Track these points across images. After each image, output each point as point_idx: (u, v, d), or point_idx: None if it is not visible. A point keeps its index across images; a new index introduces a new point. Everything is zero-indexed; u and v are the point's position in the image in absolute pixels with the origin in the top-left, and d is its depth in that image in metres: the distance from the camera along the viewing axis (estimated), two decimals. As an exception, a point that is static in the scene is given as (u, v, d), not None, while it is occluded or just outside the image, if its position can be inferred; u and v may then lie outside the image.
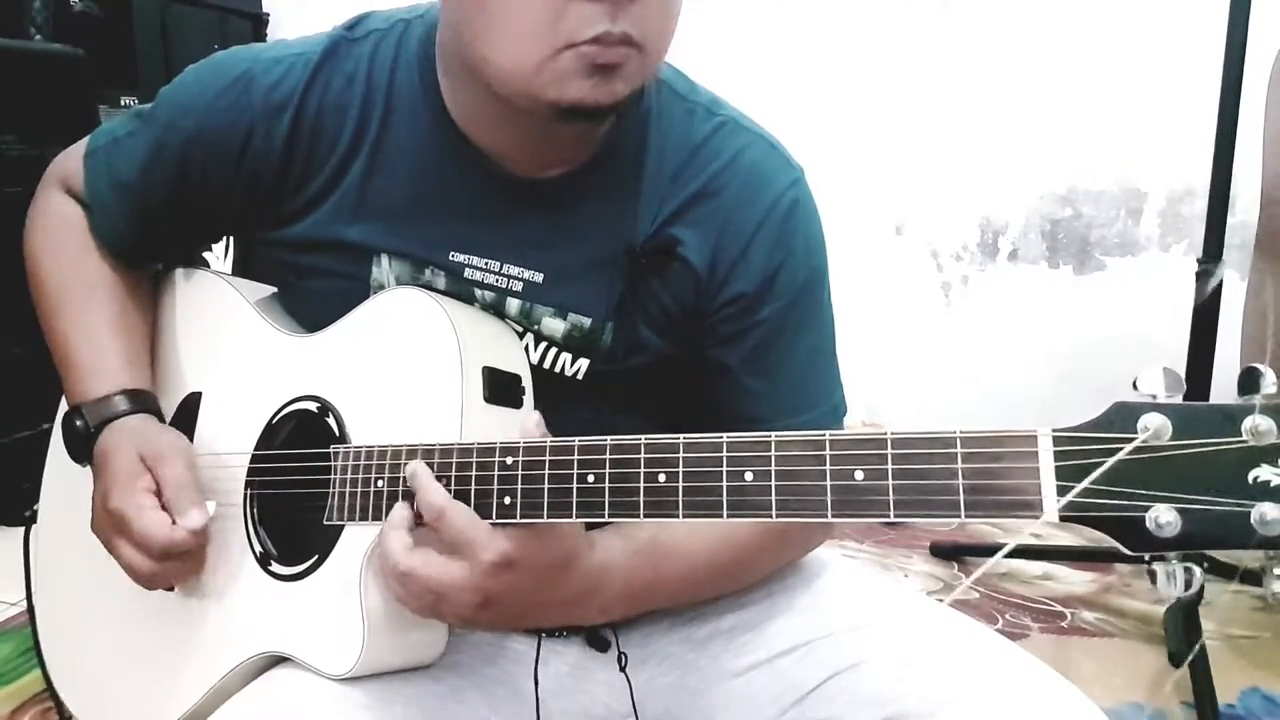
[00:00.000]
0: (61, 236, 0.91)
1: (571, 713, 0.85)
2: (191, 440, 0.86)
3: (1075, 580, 1.86)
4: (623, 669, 0.83)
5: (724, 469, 0.59)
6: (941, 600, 0.87)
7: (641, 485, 0.61)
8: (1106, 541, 0.51)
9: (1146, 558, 0.51)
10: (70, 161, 0.91)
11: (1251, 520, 0.47)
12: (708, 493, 0.59)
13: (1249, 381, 0.48)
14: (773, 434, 0.58)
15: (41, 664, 0.96)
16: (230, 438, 0.85)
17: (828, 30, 2.34)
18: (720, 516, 0.59)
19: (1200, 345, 1.52)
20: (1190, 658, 1.46)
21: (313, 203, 0.81)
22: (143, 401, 0.85)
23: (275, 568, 0.79)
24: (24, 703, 1.41)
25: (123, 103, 2.17)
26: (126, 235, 0.89)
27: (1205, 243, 1.52)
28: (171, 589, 0.83)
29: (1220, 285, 1.52)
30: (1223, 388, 1.54)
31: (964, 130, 2.29)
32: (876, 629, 0.78)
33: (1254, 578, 1.81)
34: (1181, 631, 1.53)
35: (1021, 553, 1.95)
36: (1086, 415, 0.52)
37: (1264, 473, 0.47)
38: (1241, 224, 2.06)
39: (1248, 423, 0.47)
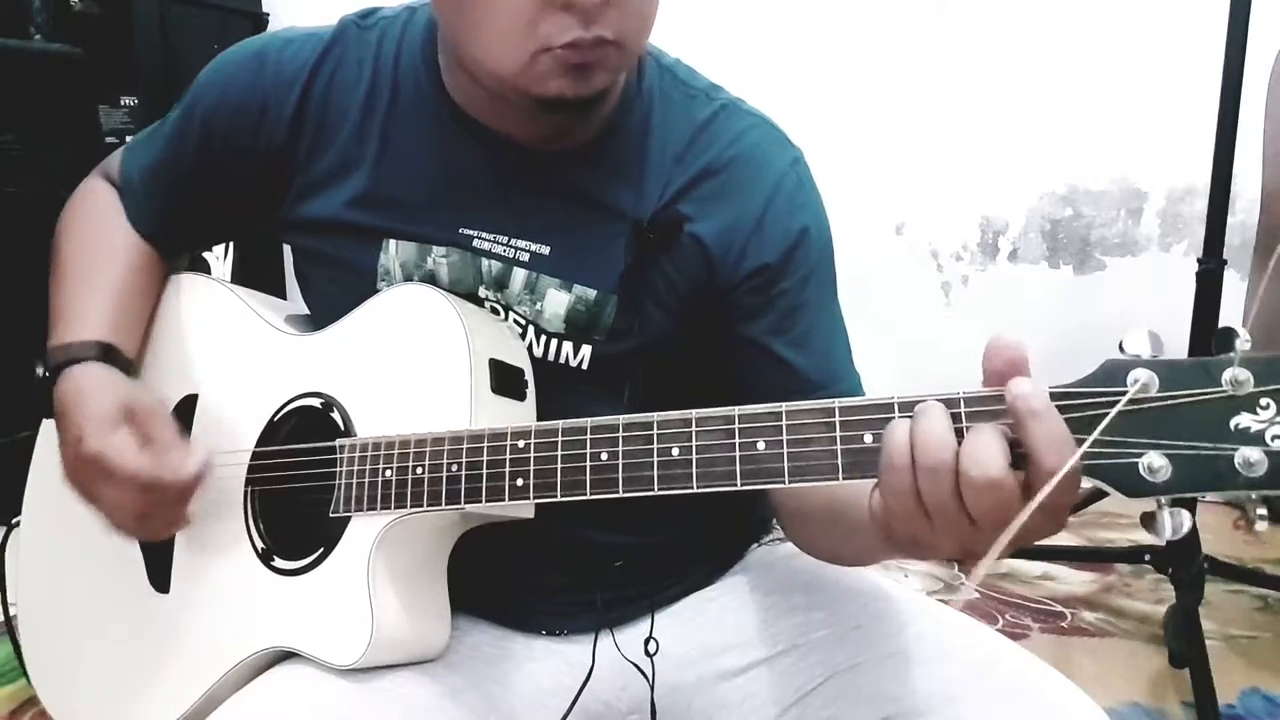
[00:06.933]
0: (90, 213, 0.93)
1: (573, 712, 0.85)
2: None
3: (1075, 580, 1.86)
4: (651, 655, 0.83)
5: (736, 440, 0.61)
6: (944, 601, 0.87)
7: (655, 460, 0.63)
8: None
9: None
10: (115, 155, 0.96)
11: (1236, 464, 0.50)
12: (720, 463, 0.62)
13: (1224, 341, 0.51)
14: (783, 404, 0.60)
15: (25, 674, 0.94)
16: (229, 437, 0.84)
17: (827, 30, 2.33)
18: (734, 485, 0.61)
19: (1200, 345, 1.52)
20: (1191, 659, 1.45)
21: (324, 182, 0.83)
22: (113, 359, 0.83)
23: (278, 563, 0.79)
24: (24, 703, 1.41)
25: (122, 103, 2.17)
26: (154, 215, 0.91)
27: (1205, 242, 1.52)
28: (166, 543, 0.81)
29: (1221, 285, 1.51)
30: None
31: (964, 130, 2.29)
32: (876, 628, 0.78)
33: (1254, 577, 1.81)
34: (1182, 632, 1.52)
35: (1022, 553, 1.95)
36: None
37: (1244, 420, 0.50)
38: (1242, 224, 2.06)
39: (1228, 374, 0.50)
